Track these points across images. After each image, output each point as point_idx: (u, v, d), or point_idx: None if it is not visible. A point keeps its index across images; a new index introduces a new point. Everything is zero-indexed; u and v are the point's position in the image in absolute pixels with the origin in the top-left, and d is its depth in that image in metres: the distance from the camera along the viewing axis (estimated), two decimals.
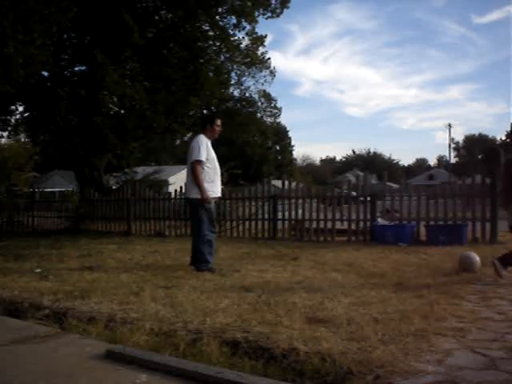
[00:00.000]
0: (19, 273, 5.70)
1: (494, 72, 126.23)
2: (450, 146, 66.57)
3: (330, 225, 9.76)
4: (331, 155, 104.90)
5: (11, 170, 20.56)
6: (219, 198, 6.45)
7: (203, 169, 5.76)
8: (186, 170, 6.25)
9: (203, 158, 5.72)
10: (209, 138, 5.94)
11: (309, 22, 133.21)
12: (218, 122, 6.06)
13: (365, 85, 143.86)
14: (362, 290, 4.26)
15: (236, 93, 16.32)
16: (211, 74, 13.68)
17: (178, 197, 11.87)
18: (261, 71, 15.77)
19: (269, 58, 15.50)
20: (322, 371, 2.50)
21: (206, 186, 5.74)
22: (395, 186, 11.73)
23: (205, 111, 16.21)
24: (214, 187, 5.92)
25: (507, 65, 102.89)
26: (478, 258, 5.36)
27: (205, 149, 5.75)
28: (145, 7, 14.00)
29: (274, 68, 15.95)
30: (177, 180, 23.04)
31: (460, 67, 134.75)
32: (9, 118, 15.18)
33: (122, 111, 13.92)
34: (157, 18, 14.20)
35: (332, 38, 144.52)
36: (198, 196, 5.72)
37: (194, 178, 5.73)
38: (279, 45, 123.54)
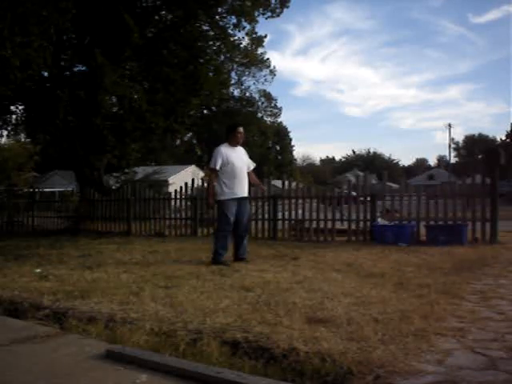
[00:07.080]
0: (19, 273, 5.69)
1: (493, 72, 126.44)
2: (449, 146, 66.65)
3: (330, 225, 9.76)
4: (331, 155, 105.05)
5: (11, 170, 20.54)
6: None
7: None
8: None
9: (217, 167, 6.31)
10: (232, 145, 6.55)
11: (306, 22, 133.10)
12: (240, 129, 6.67)
13: (364, 85, 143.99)
14: (362, 290, 4.25)
15: (236, 93, 16.34)
16: (211, 74, 13.68)
17: (178, 197, 11.88)
18: (261, 71, 15.78)
19: (268, 59, 15.50)
20: (322, 371, 2.50)
21: (224, 187, 6.30)
22: (395, 185, 11.71)
23: (205, 111, 16.20)
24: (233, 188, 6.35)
25: (506, 64, 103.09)
26: None
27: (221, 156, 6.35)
28: (145, 7, 13.99)
29: (275, 67, 15.95)
30: (177, 180, 23.01)
31: (459, 67, 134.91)
32: (8, 117, 15.18)
33: (122, 111, 13.91)
34: (157, 17, 14.19)
35: (330, 38, 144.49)
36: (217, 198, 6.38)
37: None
38: (277, 45, 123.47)
